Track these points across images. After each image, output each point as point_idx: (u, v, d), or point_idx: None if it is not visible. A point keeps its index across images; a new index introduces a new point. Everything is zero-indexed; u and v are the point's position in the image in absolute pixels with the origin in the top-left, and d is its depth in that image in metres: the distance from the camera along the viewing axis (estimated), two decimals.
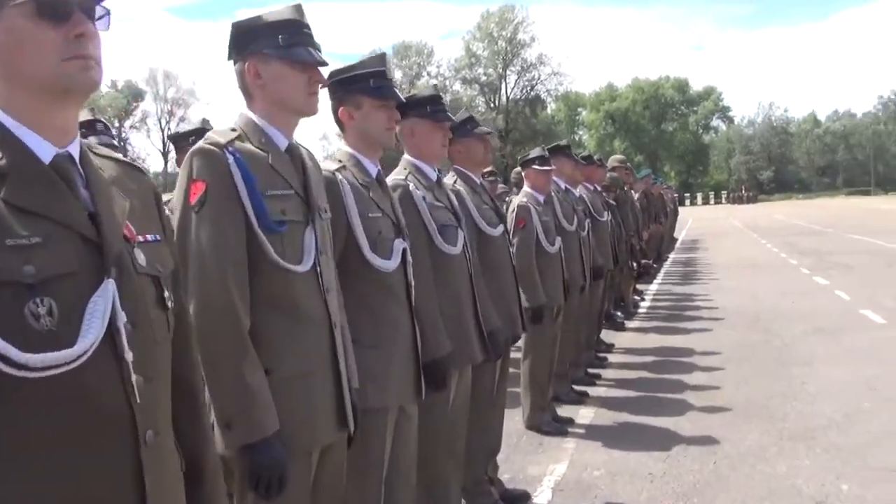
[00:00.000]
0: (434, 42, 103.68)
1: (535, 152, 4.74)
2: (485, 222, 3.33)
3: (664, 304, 9.90)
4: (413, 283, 2.29)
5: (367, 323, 2.19)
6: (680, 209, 25.92)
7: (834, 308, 8.65)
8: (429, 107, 2.70)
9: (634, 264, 8.79)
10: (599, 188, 6.89)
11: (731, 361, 6.27)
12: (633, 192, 10.04)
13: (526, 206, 4.52)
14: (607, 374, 6.10)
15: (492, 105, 69.05)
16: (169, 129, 58.52)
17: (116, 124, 63.23)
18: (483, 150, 3.44)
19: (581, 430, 4.64)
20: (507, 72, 70.29)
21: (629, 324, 8.43)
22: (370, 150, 2.30)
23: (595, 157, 6.97)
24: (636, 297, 10.04)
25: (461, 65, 69.61)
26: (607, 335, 7.54)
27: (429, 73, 69.36)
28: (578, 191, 6.07)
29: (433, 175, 2.80)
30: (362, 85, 2.22)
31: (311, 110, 1.81)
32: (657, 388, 5.57)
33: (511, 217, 4.56)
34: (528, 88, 70.93)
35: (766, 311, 8.75)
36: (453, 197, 2.87)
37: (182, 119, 58.37)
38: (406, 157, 2.81)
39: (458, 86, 69.91)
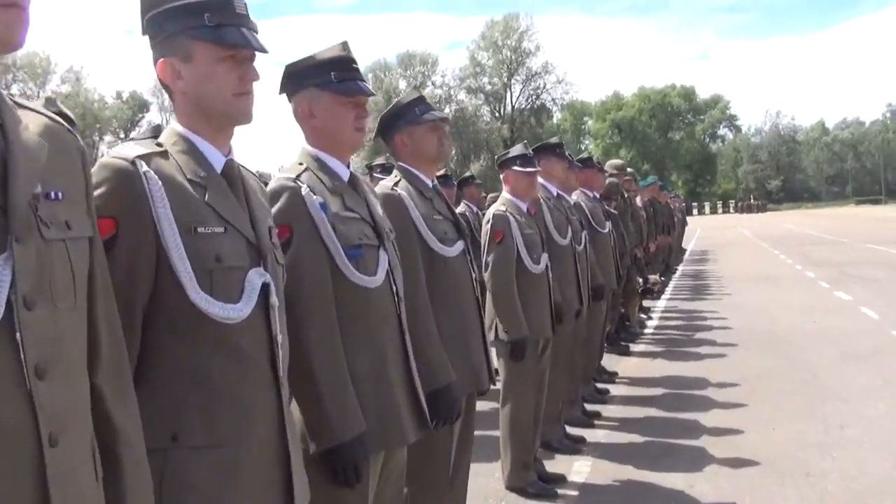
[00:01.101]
0: (438, 53, 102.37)
1: (515, 150, 3.89)
2: (436, 238, 2.49)
3: (673, 325, 9.00)
4: (280, 341, 1.45)
5: (196, 411, 1.34)
6: (688, 219, 25.03)
7: (863, 329, 7.75)
8: (333, 73, 1.85)
9: (640, 280, 7.92)
10: (598, 196, 6.06)
11: (752, 396, 5.39)
12: (636, 200, 9.20)
13: (504, 216, 3.68)
14: (609, 411, 5.23)
15: (497, 114, 68.68)
16: None
17: (122, 135, 63.54)
18: (436, 142, 2.57)
19: (573, 492, 3.77)
20: (513, 81, 69.88)
21: (635, 347, 7.55)
22: (211, 127, 1.45)
23: (594, 160, 6.13)
24: (642, 316, 9.16)
25: (466, 74, 69.32)
26: (610, 361, 6.67)
27: (433, 83, 69.06)
28: (575, 198, 5.23)
29: (344, 172, 1.95)
30: (192, 23, 1.38)
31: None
32: (667, 433, 4.69)
33: (486, 229, 3.74)
34: (534, 97, 70.50)
35: (786, 333, 7.86)
36: (376, 204, 2.01)
37: None
38: (304, 146, 1.96)
39: (462, 95, 69.62)
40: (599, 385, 5.77)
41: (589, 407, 5.17)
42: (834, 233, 25.93)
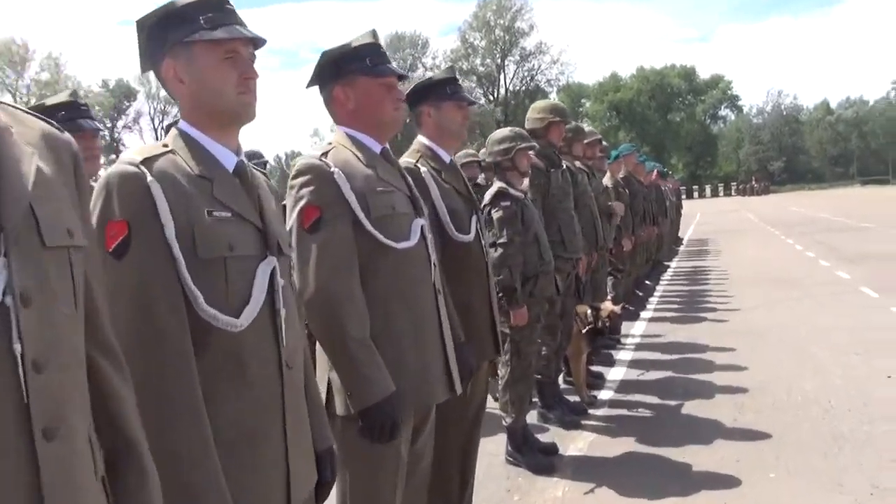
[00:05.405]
0: (431, 37, 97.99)
1: None
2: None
3: (650, 379, 5.62)
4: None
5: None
6: (685, 203, 21.72)
7: None
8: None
9: (587, 313, 4.58)
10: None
11: None
12: (602, 177, 5.93)
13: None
14: None
15: (490, 97, 65.69)
16: (162, 127, 56.53)
17: (108, 124, 61.60)
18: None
19: None
20: (506, 62, 66.74)
21: (576, 438, 4.24)
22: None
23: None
24: (594, 371, 5.83)
25: (457, 55, 66.33)
26: (524, 480, 3.39)
27: (423, 65, 65.87)
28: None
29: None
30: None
31: None
32: None
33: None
34: (528, 79, 67.59)
35: (843, 400, 4.56)
36: None
37: (175, 117, 56.06)
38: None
39: None
40: None
41: None
42: (851, 216, 22.43)
